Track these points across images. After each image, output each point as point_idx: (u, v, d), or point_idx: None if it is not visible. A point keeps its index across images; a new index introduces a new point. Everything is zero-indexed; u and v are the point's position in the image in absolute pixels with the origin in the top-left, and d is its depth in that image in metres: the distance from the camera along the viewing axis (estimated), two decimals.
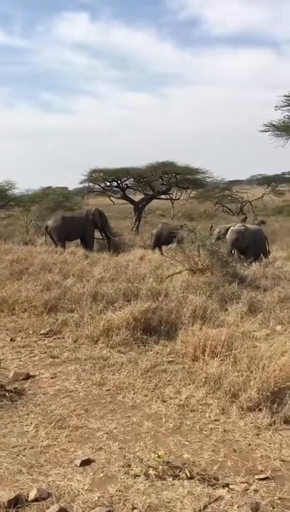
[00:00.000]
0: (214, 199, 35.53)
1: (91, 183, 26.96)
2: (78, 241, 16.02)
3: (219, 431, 3.74)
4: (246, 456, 3.39)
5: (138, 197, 27.46)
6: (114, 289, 7.52)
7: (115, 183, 25.78)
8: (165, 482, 3.03)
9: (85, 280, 8.59)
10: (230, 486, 2.98)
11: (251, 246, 11.72)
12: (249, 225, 13.00)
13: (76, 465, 3.28)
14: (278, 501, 2.86)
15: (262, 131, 15.68)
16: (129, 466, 3.23)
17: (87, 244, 15.35)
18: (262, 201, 36.12)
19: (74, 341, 5.93)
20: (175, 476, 3.06)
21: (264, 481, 3.06)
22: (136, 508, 2.77)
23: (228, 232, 11.98)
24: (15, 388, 4.55)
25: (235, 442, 3.58)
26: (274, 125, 15.38)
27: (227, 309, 7.00)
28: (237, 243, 11.62)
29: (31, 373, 4.98)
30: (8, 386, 4.55)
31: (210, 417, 3.96)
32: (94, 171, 25.18)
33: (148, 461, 3.21)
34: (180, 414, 4.02)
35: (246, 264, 10.33)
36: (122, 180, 25.62)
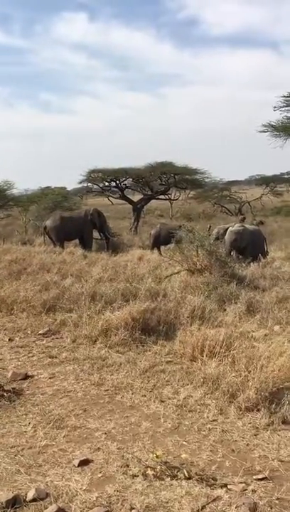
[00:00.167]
0: (212, 199, 35.54)
1: (90, 183, 26.99)
2: (77, 241, 16.01)
3: (217, 431, 3.74)
4: (245, 456, 3.40)
5: (136, 197, 27.48)
6: (113, 289, 7.53)
7: (114, 183, 25.81)
8: (163, 482, 3.03)
9: (84, 280, 8.59)
10: (228, 486, 2.98)
11: (250, 246, 11.73)
12: (247, 226, 13.01)
13: (74, 465, 3.28)
14: (277, 501, 2.86)
15: (261, 131, 15.70)
16: (127, 466, 3.24)
17: (86, 244, 15.35)
18: (261, 202, 36.15)
19: (73, 341, 5.93)
20: (174, 476, 3.07)
21: (262, 481, 3.07)
22: (134, 509, 2.77)
23: (227, 233, 11.99)
24: (13, 388, 4.55)
25: (233, 442, 3.58)
26: (272, 126, 15.40)
27: (225, 309, 7.00)
28: (235, 244, 11.62)
29: (29, 373, 4.98)
30: (6, 386, 4.55)
31: (208, 417, 3.97)
32: (92, 171, 25.20)
33: (146, 461, 3.21)
34: (178, 415, 4.02)
35: (244, 265, 10.33)
36: (121, 180, 25.64)
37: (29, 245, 15.73)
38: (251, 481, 3.06)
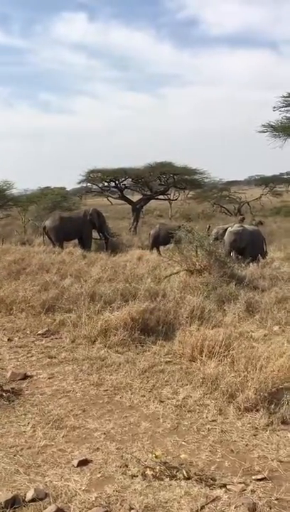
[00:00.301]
0: (212, 200, 35.55)
1: (89, 184, 26.98)
2: (76, 241, 16.01)
3: (216, 431, 3.74)
4: (244, 456, 3.40)
5: (136, 197, 27.49)
6: (112, 290, 7.52)
7: (113, 184, 25.81)
8: (162, 482, 3.03)
9: (83, 280, 8.58)
10: (227, 487, 2.98)
11: (249, 247, 11.73)
12: (246, 226, 13.01)
13: (73, 465, 3.28)
14: (276, 502, 2.86)
15: (260, 131, 15.75)
16: (127, 466, 3.23)
17: (85, 244, 15.35)
18: (260, 202, 36.17)
19: (72, 341, 5.92)
20: (173, 477, 3.06)
21: (262, 482, 3.07)
22: (133, 509, 2.77)
23: (226, 234, 11.99)
24: (12, 388, 4.55)
25: (232, 443, 3.58)
26: (272, 126, 15.44)
27: (224, 310, 7.00)
28: (234, 244, 11.63)
29: (29, 373, 4.98)
30: (5, 386, 4.54)
31: (207, 417, 3.97)
32: (92, 171, 25.20)
33: (145, 461, 3.21)
34: (177, 415, 4.02)
35: (243, 265, 10.33)
36: (120, 180, 25.64)
37: (28, 245, 15.72)
38: (251, 482, 3.06)
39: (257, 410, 3.98)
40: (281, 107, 14.91)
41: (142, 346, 5.64)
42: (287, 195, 41.97)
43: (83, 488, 3.01)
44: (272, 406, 3.97)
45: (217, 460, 3.35)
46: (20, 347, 5.87)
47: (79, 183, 26.68)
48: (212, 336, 5.10)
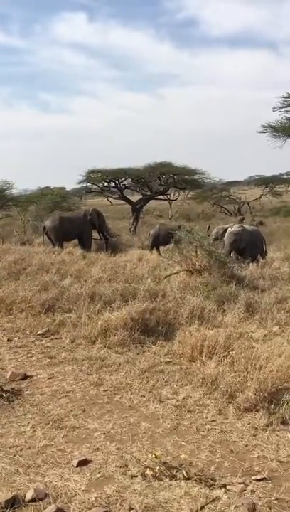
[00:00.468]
0: (212, 200, 35.61)
1: (89, 184, 27.00)
2: (76, 241, 16.01)
3: (216, 431, 3.74)
4: (244, 456, 3.40)
5: (136, 197, 27.49)
6: (112, 290, 7.52)
7: (113, 184, 25.82)
8: (162, 483, 3.03)
9: (83, 280, 8.59)
10: (227, 487, 2.98)
11: (249, 247, 11.73)
12: (246, 226, 13.01)
13: (73, 465, 3.28)
14: (276, 502, 2.86)
15: (260, 132, 15.75)
16: (126, 466, 3.24)
17: (85, 244, 15.35)
18: (260, 202, 36.21)
19: (72, 342, 5.92)
20: (172, 477, 3.07)
21: (261, 482, 3.07)
22: (133, 509, 2.77)
23: (226, 234, 11.99)
24: (12, 388, 4.54)
25: (232, 443, 3.58)
26: (271, 126, 15.43)
27: (224, 310, 6.99)
28: (234, 244, 11.63)
29: (28, 373, 4.98)
30: (5, 386, 4.54)
31: (207, 417, 3.97)
32: (92, 172, 25.20)
33: (145, 461, 3.21)
34: (177, 415, 4.02)
35: (243, 265, 10.33)
36: (120, 180, 25.65)
37: (28, 245, 15.73)
38: (250, 482, 3.06)
39: (257, 410, 3.98)
40: (280, 108, 14.90)
41: (142, 346, 5.64)
42: (287, 195, 42.02)
43: (83, 488, 3.01)
44: (272, 406, 3.97)
45: (217, 460, 3.35)
46: (20, 347, 5.87)
47: (79, 183, 26.72)
48: (212, 336, 5.10)
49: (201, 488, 2.95)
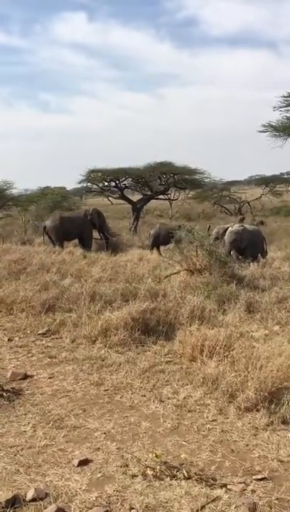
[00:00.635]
0: (212, 199, 35.57)
1: (89, 183, 26.96)
2: (76, 241, 16.01)
3: (216, 431, 3.74)
4: (244, 456, 3.40)
5: (136, 197, 27.47)
6: (112, 289, 7.53)
7: (113, 183, 25.78)
8: (162, 482, 3.03)
9: (83, 280, 8.59)
10: (228, 487, 2.98)
11: (249, 246, 11.73)
12: (247, 226, 13.01)
13: (74, 465, 3.28)
14: (276, 501, 2.86)
15: (260, 131, 15.73)
16: (127, 466, 3.24)
17: (85, 244, 15.34)
18: (260, 202, 36.19)
19: (72, 341, 5.92)
20: (173, 476, 3.06)
21: (262, 482, 3.07)
22: (133, 508, 2.77)
23: (226, 234, 11.99)
24: (12, 388, 4.55)
25: (233, 442, 3.58)
26: (272, 126, 15.42)
27: (225, 310, 7.00)
28: (235, 244, 11.63)
29: (29, 373, 4.98)
30: (5, 386, 4.55)
31: (207, 417, 3.97)
32: (92, 171, 25.17)
33: (145, 461, 3.21)
34: (177, 415, 4.02)
35: (244, 265, 10.33)
36: (120, 180, 25.62)
37: (29, 245, 15.72)
38: (251, 481, 3.06)
39: (257, 410, 3.97)
40: (281, 107, 14.89)
41: (142, 346, 5.64)
42: (287, 195, 41.99)
43: (83, 487, 3.01)
44: (272, 406, 3.97)
45: (218, 460, 3.35)
46: (20, 347, 5.87)
47: (80, 182, 26.68)
48: (212, 335, 5.10)
49: (202, 488, 2.95)
